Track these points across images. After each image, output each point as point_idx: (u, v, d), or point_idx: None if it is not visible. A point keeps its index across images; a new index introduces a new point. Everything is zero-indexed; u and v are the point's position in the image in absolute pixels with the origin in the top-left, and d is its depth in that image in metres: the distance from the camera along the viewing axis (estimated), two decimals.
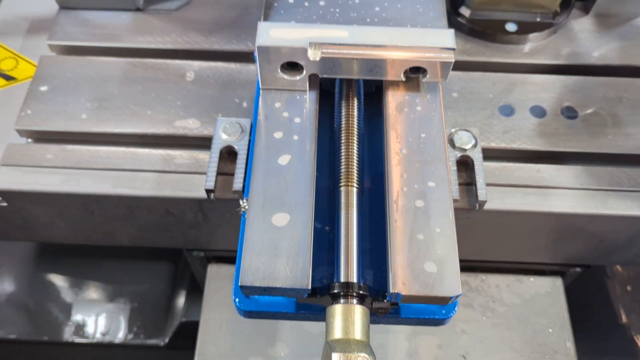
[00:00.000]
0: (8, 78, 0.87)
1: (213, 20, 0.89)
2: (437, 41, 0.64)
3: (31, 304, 1.31)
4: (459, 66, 0.86)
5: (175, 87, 0.82)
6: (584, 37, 0.88)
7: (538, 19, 0.87)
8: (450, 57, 0.64)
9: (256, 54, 0.64)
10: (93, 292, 1.32)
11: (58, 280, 1.34)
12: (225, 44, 0.86)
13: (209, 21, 0.89)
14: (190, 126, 0.78)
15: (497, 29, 0.86)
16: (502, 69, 0.86)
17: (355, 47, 0.64)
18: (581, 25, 0.90)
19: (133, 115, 0.79)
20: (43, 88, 0.81)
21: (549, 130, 0.79)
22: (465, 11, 0.87)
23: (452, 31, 0.65)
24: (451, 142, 0.73)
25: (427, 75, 0.66)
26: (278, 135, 0.65)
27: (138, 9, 0.89)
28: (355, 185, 0.64)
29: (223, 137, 0.72)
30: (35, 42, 0.90)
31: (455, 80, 0.83)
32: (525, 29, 0.86)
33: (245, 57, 0.86)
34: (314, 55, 0.63)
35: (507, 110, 0.81)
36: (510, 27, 0.87)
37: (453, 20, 0.88)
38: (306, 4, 0.69)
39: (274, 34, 0.64)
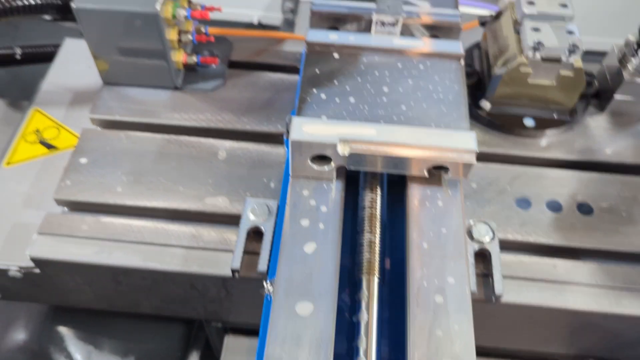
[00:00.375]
0: (49, 147, 0.92)
1: (246, 101, 0.94)
2: (460, 143, 0.68)
3: (41, 356, 1.32)
4: (479, 157, 0.88)
5: (207, 165, 0.86)
6: (599, 134, 0.92)
7: (555, 116, 0.91)
8: (472, 159, 0.68)
9: (289, 146, 0.68)
10: (104, 348, 1.33)
11: (70, 333, 1.36)
12: (256, 125, 0.91)
13: (242, 102, 0.94)
14: (220, 204, 0.82)
15: (516, 123, 0.91)
16: (520, 162, 0.89)
17: (382, 145, 0.68)
18: (597, 123, 0.93)
19: (166, 190, 0.83)
20: (83, 160, 0.85)
21: (565, 225, 0.81)
22: (485, 104, 0.92)
23: (474, 134, 0.68)
24: (469, 234, 0.75)
25: (449, 173, 0.70)
26: (305, 222, 0.68)
27: (176, 88, 0.95)
28: (377, 275, 0.66)
29: (251, 217, 0.75)
30: (78, 113, 0.96)
31: (475, 171, 0.86)
32: (543, 124, 0.90)
33: (275, 138, 0.90)
34: (343, 150, 0.67)
35: (525, 204, 0.83)
36: (528, 122, 0.91)
37: (473, 112, 0.93)
38: (337, 100, 0.73)
39: (307, 129, 0.68)
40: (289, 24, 1.79)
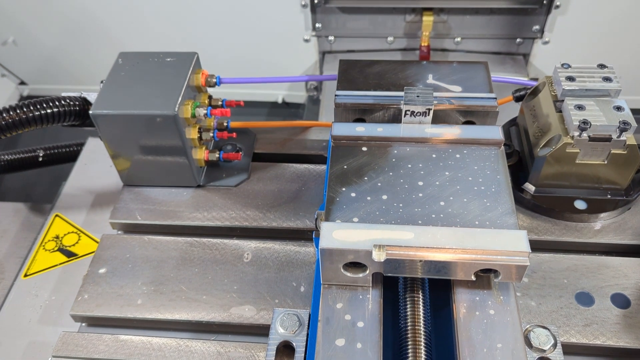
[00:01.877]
0: (69, 254, 0.88)
1: (272, 195, 0.89)
2: (510, 244, 0.60)
3: None
4: None
5: (232, 269, 0.80)
6: None
7: (609, 195, 0.83)
8: (525, 261, 0.60)
9: (319, 254, 0.62)
10: None
11: None
12: (283, 221, 0.85)
13: (267, 196, 0.89)
14: (246, 314, 0.75)
15: (565, 206, 0.83)
16: (574, 249, 0.81)
17: (421, 249, 0.61)
18: None
19: (188, 300, 0.77)
20: (102, 270, 0.81)
21: (636, 322, 0.71)
22: (529, 187, 0.84)
23: (524, 233, 0.61)
24: (527, 342, 0.66)
25: (500, 277, 0.62)
26: (340, 342, 0.60)
27: (199, 186, 0.91)
28: None
29: (280, 331, 0.68)
30: (99, 216, 0.92)
31: None
32: (596, 206, 0.82)
33: (303, 234, 0.84)
34: (378, 256, 0.61)
35: (586, 299, 0.74)
36: (580, 204, 0.83)
37: (517, 195, 0.85)
38: (368, 198, 0.67)
39: (337, 235, 0.62)
40: (314, 102, 1.78)
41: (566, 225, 0.83)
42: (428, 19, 1.50)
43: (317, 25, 1.56)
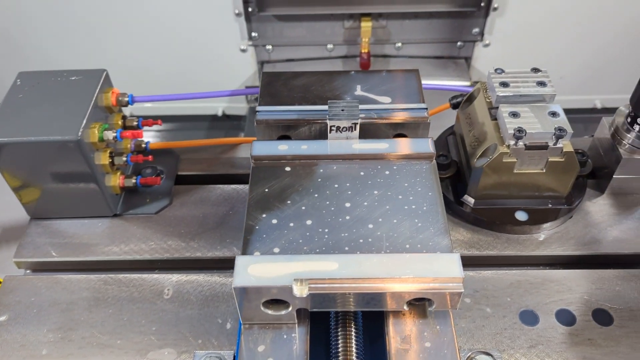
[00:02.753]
0: None
1: (196, 221, 0.82)
2: (443, 269, 0.55)
3: None
4: (469, 262, 0.77)
5: (151, 308, 0.72)
6: (603, 221, 0.80)
7: (550, 205, 0.79)
8: (459, 287, 0.55)
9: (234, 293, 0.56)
10: None
11: None
12: (208, 250, 0.78)
13: (191, 223, 0.82)
14: (165, 358, 0.67)
15: (506, 219, 0.79)
16: (517, 263, 0.77)
17: (347, 281, 0.55)
18: (598, 207, 0.82)
19: (100, 346, 0.69)
20: (2, 318, 0.72)
21: (582, 341, 0.67)
22: (468, 200, 0.80)
23: (457, 256, 0.56)
24: None
25: (434, 305, 0.57)
26: None
27: (115, 215, 0.83)
28: None
29: None
30: (5, 254, 0.83)
31: (467, 282, 0.73)
32: (537, 217, 0.78)
33: (230, 263, 0.76)
34: (300, 292, 0.55)
35: (530, 318, 0.70)
36: (521, 215, 0.79)
37: (456, 209, 0.81)
38: (291, 224, 0.61)
39: (253, 271, 0.56)
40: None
41: (508, 238, 0.79)
42: (367, 25, 1.46)
43: (253, 34, 1.50)
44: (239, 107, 1.71)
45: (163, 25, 1.48)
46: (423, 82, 0.79)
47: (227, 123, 1.72)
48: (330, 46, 1.53)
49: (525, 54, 1.53)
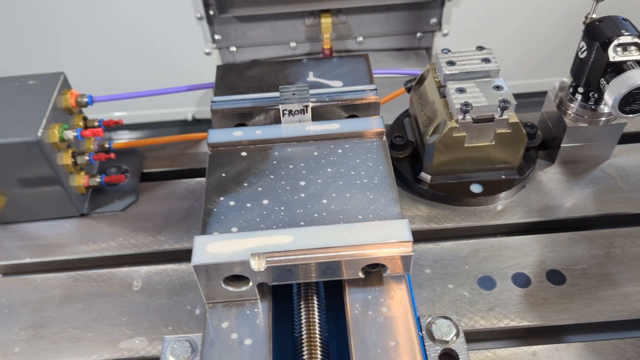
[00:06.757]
0: None
1: (162, 216, 0.84)
2: (393, 235, 0.58)
3: None
4: (428, 236, 0.80)
5: (121, 300, 0.74)
6: (554, 188, 0.83)
7: (503, 176, 0.82)
8: (409, 251, 0.57)
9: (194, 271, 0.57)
10: None
11: None
12: (175, 242, 0.80)
13: (158, 218, 0.84)
14: (137, 347, 0.69)
15: (462, 192, 0.82)
16: (474, 234, 0.80)
17: (302, 252, 0.57)
18: (549, 176, 0.85)
19: (73, 340, 0.70)
20: None
21: (537, 300, 0.70)
22: (425, 177, 0.83)
23: (406, 221, 0.59)
24: (430, 334, 0.63)
25: (388, 271, 0.59)
26: None
27: (82, 215, 0.84)
28: None
29: None
30: None
31: (426, 254, 0.76)
32: (492, 188, 0.81)
33: None
34: (257, 266, 0.57)
35: (488, 283, 0.73)
36: (475, 188, 0.82)
37: (415, 187, 0.84)
38: (248, 205, 0.63)
39: (211, 249, 0.58)
40: None
41: (465, 210, 0.82)
42: (327, 21, 1.49)
43: (217, 37, 1.52)
44: (209, 110, 1.73)
45: (126, 32, 1.49)
46: (383, 70, 0.83)
47: (198, 127, 1.74)
48: (293, 44, 1.56)
49: (483, 41, 1.55)
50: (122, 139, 1.67)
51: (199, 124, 1.74)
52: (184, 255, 0.80)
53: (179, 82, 1.61)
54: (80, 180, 0.82)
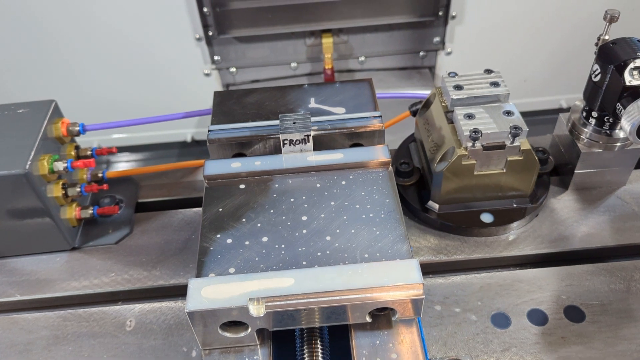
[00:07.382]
0: None
1: (158, 249, 0.80)
2: (402, 276, 0.54)
3: None
4: (437, 269, 0.76)
5: (113, 342, 0.70)
6: (569, 217, 0.79)
7: (514, 205, 0.79)
8: (420, 294, 0.53)
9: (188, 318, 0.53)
10: None
11: None
12: (171, 277, 0.76)
13: (153, 251, 0.80)
14: None
15: (472, 222, 0.78)
16: (486, 266, 0.76)
17: (304, 296, 0.53)
18: (563, 203, 0.81)
19: None
20: None
21: (555, 340, 0.66)
22: (433, 206, 0.79)
23: (416, 261, 0.55)
24: None
25: (397, 314, 0.55)
26: None
27: (74, 248, 0.80)
28: None
29: None
30: None
31: (436, 289, 0.72)
32: (503, 217, 0.78)
33: None
34: (257, 311, 0.53)
35: (502, 320, 0.69)
36: (486, 217, 0.78)
37: (422, 216, 0.80)
38: (247, 242, 0.59)
39: (207, 293, 0.54)
40: None
41: (476, 241, 0.78)
42: (328, 41, 1.46)
43: (216, 57, 1.50)
44: None
45: (125, 53, 1.47)
46: (386, 92, 0.79)
47: (197, 149, 1.71)
48: (294, 64, 1.53)
49: (487, 60, 1.54)
50: (120, 161, 1.64)
51: (199, 146, 1.71)
52: (180, 291, 0.76)
53: (178, 103, 1.59)
54: (72, 212, 0.78)
